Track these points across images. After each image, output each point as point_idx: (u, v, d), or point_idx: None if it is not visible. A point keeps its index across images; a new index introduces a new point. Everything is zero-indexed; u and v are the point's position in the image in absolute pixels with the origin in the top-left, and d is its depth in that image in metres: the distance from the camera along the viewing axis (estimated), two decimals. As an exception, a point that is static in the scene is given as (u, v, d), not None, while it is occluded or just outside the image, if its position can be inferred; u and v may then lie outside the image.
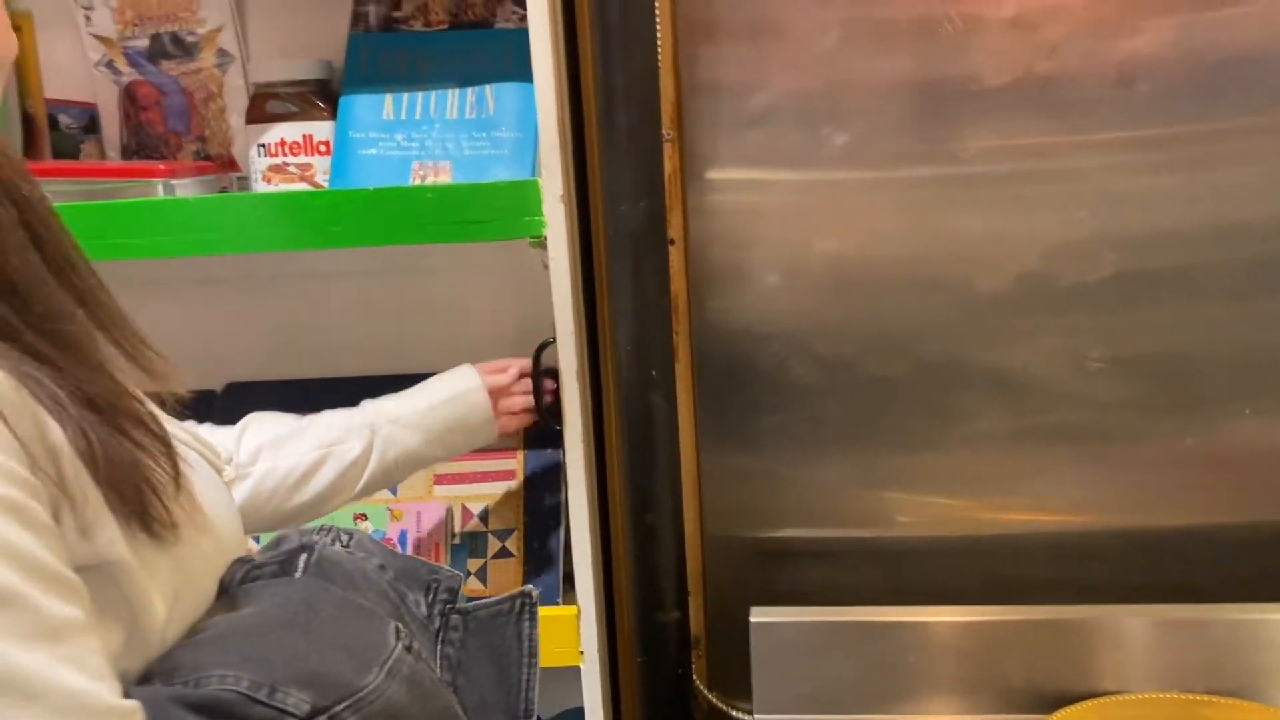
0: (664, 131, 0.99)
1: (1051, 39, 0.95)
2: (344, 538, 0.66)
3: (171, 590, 0.55)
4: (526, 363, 1.02)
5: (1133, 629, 0.98)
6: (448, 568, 0.70)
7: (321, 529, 0.66)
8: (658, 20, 0.95)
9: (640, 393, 0.97)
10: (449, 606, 0.67)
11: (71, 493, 0.51)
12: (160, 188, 0.98)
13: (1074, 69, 0.95)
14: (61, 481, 0.50)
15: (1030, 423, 1.03)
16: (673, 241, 1.00)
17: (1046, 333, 1.01)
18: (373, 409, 0.95)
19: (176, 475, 0.56)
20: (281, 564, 0.61)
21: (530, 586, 0.71)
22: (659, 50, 0.96)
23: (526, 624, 0.69)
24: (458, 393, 0.97)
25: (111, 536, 0.52)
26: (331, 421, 0.94)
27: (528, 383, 1.02)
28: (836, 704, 1.00)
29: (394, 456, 0.94)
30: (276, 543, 0.65)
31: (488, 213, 0.93)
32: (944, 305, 1.01)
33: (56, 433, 0.51)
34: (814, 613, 0.98)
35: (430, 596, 0.67)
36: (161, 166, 0.99)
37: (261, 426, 0.92)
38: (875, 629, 0.99)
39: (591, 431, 1.01)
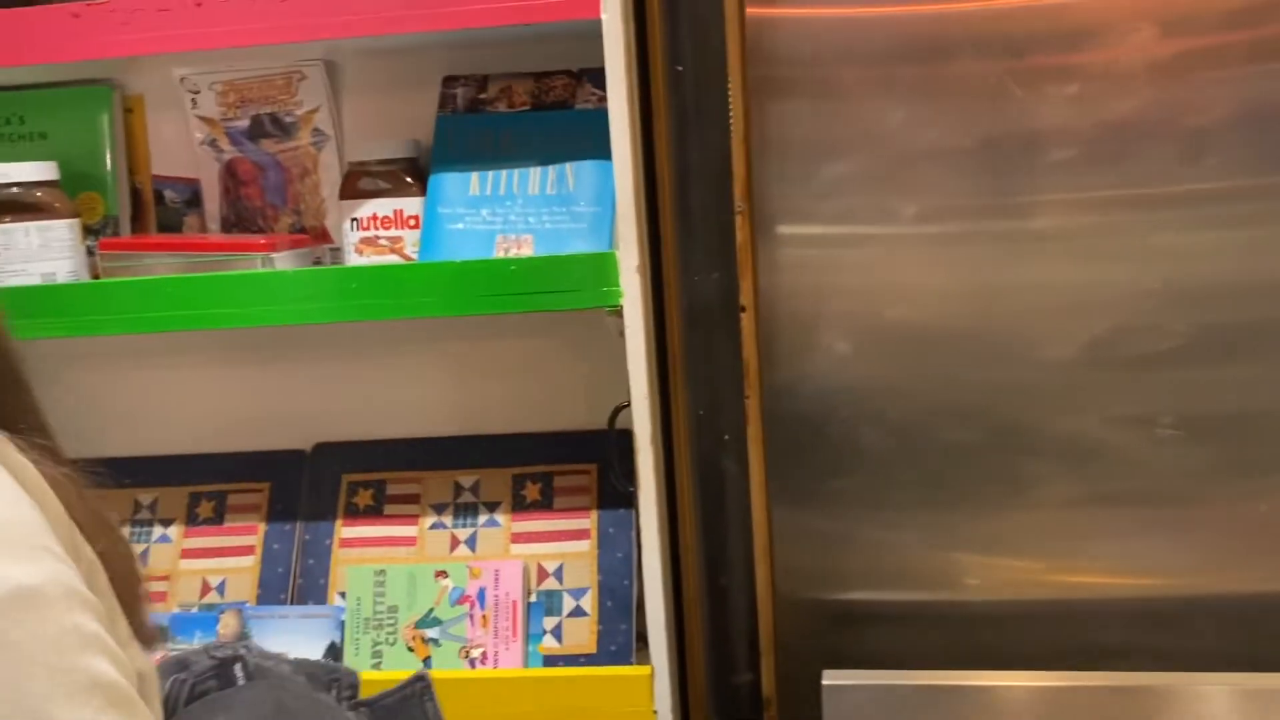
0: (736, 204, 1.03)
1: (1116, 97, 0.95)
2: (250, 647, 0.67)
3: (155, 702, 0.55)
4: None
5: (1208, 697, 0.97)
6: (343, 665, 0.70)
7: (216, 644, 0.66)
8: (730, 101, 0.99)
9: (713, 457, 1.00)
10: (353, 701, 0.68)
11: (110, 604, 0.51)
12: (260, 261, 1.04)
13: (1140, 126, 0.95)
14: (102, 594, 0.51)
15: (1101, 487, 1.03)
16: (744, 309, 1.03)
17: (1117, 395, 1.01)
18: None
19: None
20: (219, 676, 0.61)
21: (423, 670, 0.72)
22: (731, 127, 1.00)
23: (430, 704, 0.69)
24: None
25: (135, 647, 0.53)
26: None
27: None
28: (910, 767, 1.00)
29: None
30: (184, 662, 0.63)
31: (567, 283, 0.97)
32: (1014, 368, 1.02)
33: (86, 547, 0.51)
34: (887, 675, 0.99)
35: (335, 694, 0.68)
36: (261, 241, 1.05)
37: None
38: (949, 693, 1.00)
39: (664, 494, 1.04)
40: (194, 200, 1.19)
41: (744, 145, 1.03)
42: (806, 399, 1.04)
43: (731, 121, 1.00)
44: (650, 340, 1.00)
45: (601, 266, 0.97)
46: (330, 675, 0.67)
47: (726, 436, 1.00)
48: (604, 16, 0.93)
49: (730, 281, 0.97)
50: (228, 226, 1.18)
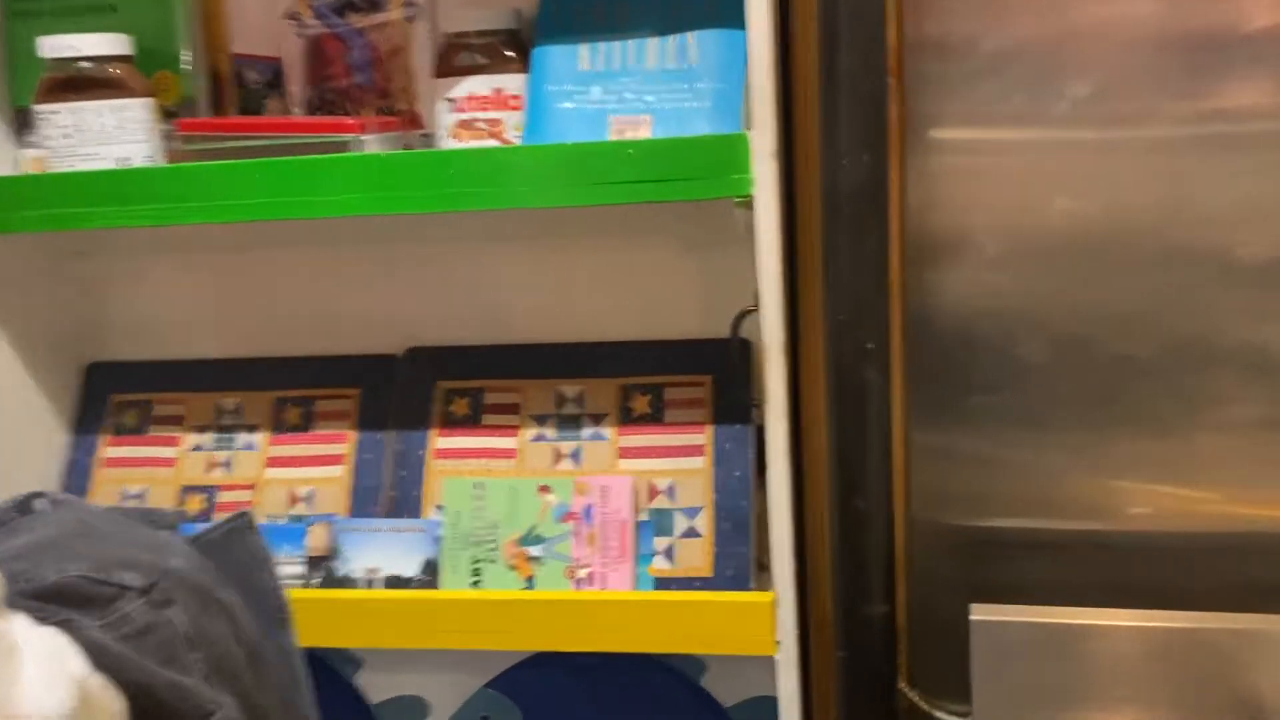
0: (889, 79, 0.89)
1: None
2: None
3: None
4: None
5: None
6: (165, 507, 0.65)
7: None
8: None
9: (854, 367, 0.89)
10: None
11: None
12: (350, 144, 0.95)
13: None
14: None
15: None
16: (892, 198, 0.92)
17: None
18: None
19: None
20: (20, 509, 0.60)
21: (244, 510, 0.68)
22: None
23: (252, 538, 0.67)
24: None
25: None
26: None
27: None
28: (1062, 710, 0.91)
29: None
30: None
31: (692, 170, 0.86)
32: (1192, 277, 0.90)
33: None
34: (1043, 613, 0.89)
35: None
36: (351, 122, 0.95)
37: None
38: (1110, 633, 0.90)
39: (792, 409, 0.94)
40: (276, 81, 1.09)
41: (897, 11, 0.89)
42: (956, 306, 0.93)
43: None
44: (785, 236, 0.89)
45: (732, 150, 0.86)
46: (147, 515, 0.66)
47: (870, 345, 0.89)
48: None
49: (882, 168, 0.85)
50: (312, 110, 1.09)
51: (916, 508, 0.96)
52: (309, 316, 1.16)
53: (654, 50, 0.93)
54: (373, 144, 0.97)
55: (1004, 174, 0.91)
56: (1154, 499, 0.94)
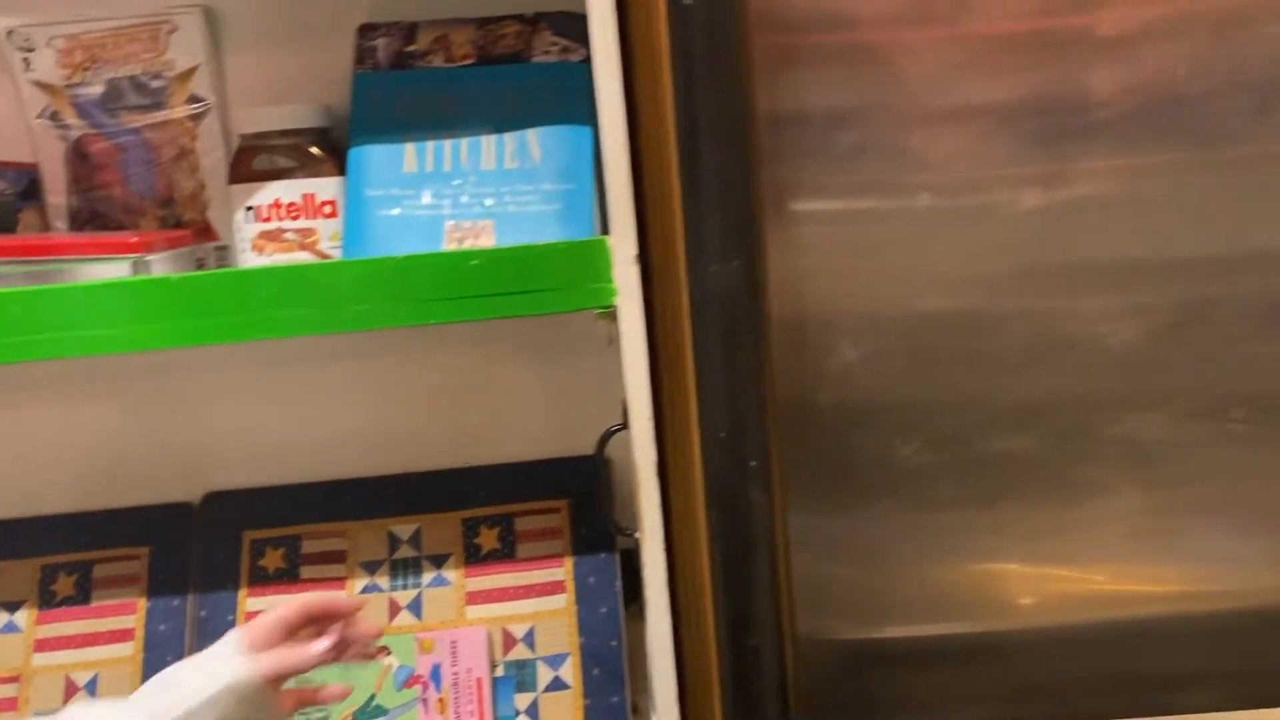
0: (758, 179, 0.83)
1: (1171, 48, 0.83)
2: None
3: None
4: (314, 597, 0.76)
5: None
6: None
7: None
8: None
9: (737, 488, 0.81)
10: None
11: None
12: (131, 265, 0.80)
13: (1200, 80, 0.83)
14: None
15: (1169, 495, 0.90)
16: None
17: (1182, 385, 0.88)
18: None
19: None
20: None
21: None
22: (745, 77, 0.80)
23: None
24: (217, 696, 0.69)
25: None
26: None
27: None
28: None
29: None
30: None
31: (547, 280, 0.77)
32: (1066, 367, 0.88)
33: None
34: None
35: None
36: (133, 239, 0.80)
37: None
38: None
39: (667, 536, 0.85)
40: (31, 191, 0.93)
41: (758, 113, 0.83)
42: (829, 412, 0.87)
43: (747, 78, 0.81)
44: (652, 348, 0.80)
45: (591, 257, 0.77)
46: None
47: (753, 462, 0.81)
48: (585, -65, 0.73)
49: (754, 271, 0.78)
50: (79, 223, 0.93)
51: (807, 628, 0.88)
52: (83, 465, 0.98)
53: (490, 149, 0.83)
54: (161, 264, 0.82)
55: (867, 270, 0.87)
56: (1041, 593, 0.91)
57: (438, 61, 0.86)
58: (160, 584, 0.94)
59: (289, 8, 0.90)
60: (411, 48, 0.87)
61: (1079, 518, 0.90)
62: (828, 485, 0.88)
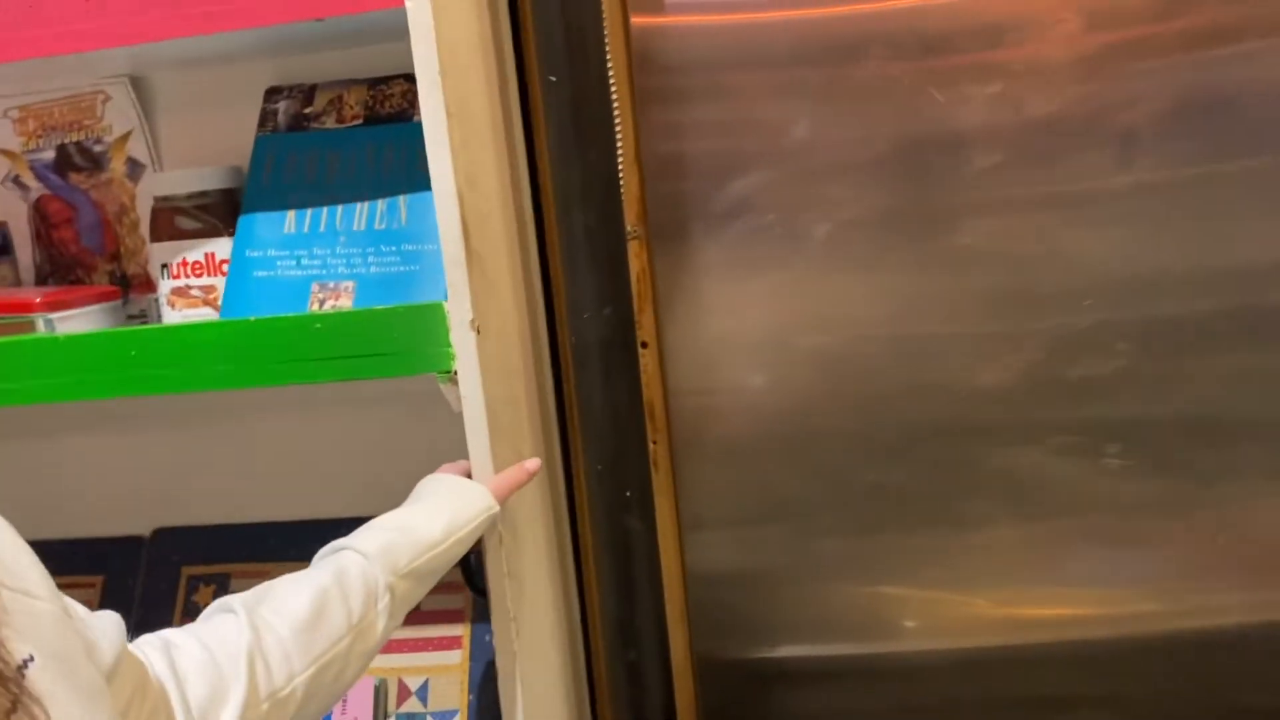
0: (629, 228, 0.85)
1: (1040, 95, 0.84)
2: None
3: None
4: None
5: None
6: None
7: None
8: (617, 115, 0.83)
9: (616, 517, 0.82)
10: None
11: None
12: (40, 323, 0.86)
13: (1067, 124, 0.84)
14: None
15: (1048, 525, 0.89)
16: (645, 345, 0.87)
17: (1057, 419, 0.88)
18: (384, 562, 0.72)
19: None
20: None
21: None
22: (620, 143, 0.84)
23: None
24: (473, 520, 0.77)
25: None
26: (348, 596, 0.70)
27: None
28: None
29: (400, 617, 0.74)
30: None
31: (387, 344, 0.77)
32: (945, 402, 0.88)
33: None
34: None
35: None
36: (38, 300, 0.86)
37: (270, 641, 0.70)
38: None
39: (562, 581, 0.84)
40: (3, 247, 1.01)
41: (635, 163, 0.85)
42: (719, 444, 0.86)
43: (620, 138, 0.84)
44: (492, 411, 0.79)
45: (428, 321, 0.77)
46: None
47: (629, 493, 0.81)
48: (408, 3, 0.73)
49: (626, 316, 0.79)
50: (43, 277, 1.01)
51: (705, 649, 0.87)
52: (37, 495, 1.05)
53: (364, 210, 0.84)
54: (79, 319, 0.88)
55: (754, 310, 0.89)
56: (925, 619, 0.90)
57: (330, 122, 0.88)
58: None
59: (211, 74, 0.94)
60: (309, 109, 0.89)
61: (961, 545, 0.90)
62: (721, 514, 0.88)
